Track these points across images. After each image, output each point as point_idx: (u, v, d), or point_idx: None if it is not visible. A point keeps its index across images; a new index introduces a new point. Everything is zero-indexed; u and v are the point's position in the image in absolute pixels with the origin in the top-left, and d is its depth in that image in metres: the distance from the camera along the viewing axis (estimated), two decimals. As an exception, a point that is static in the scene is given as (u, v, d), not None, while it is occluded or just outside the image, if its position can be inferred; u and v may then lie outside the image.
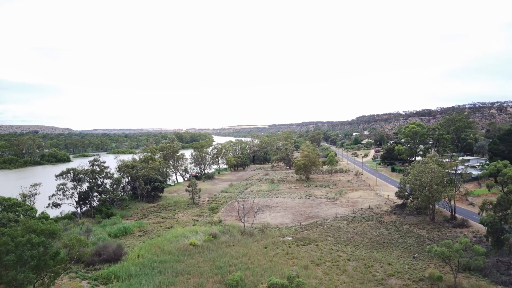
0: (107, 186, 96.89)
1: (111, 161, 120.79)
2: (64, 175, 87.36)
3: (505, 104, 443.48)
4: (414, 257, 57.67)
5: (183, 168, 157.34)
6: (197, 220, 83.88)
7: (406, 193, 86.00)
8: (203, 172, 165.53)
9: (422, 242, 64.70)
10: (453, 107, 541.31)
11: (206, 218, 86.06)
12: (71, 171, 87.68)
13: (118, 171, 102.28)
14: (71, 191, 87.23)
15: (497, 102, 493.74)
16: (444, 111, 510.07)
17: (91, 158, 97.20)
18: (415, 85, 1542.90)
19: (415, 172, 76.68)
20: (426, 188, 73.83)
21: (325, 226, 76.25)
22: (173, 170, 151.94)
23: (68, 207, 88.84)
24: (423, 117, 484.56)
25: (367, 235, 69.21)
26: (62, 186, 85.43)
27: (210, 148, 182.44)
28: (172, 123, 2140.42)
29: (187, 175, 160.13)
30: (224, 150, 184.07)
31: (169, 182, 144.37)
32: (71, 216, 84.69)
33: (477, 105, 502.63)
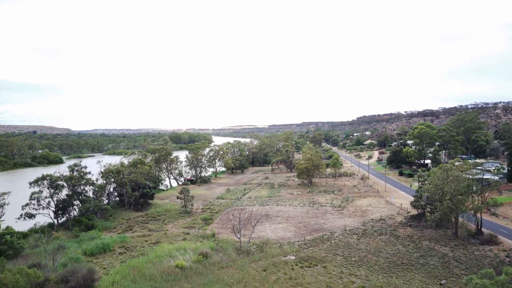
0: (90, 193, 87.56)
1: (107, 162, 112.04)
2: (39, 182, 77.89)
3: (510, 104, 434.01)
4: (441, 284, 48.42)
5: (177, 171, 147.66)
6: (188, 233, 74.53)
7: (423, 202, 76.71)
8: (199, 175, 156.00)
9: (447, 263, 55.38)
10: (455, 107, 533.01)
11: (198, 231, 76.71)
12: (47, 178, 78.28)
13: (102, 177, 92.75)
14: (47, 200, 77.79)
15: (500, 102, 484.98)
16: (447, 111, 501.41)
17: (71, 163, 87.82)
18: (415, 85, 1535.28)
19: (435, 180, 67.25)
20: (448, 199, 64.64)
21: (332, 241, 66.88)
22: (166, 174, 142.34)
23: (45, 217, 79.54)
24: (426, 118, 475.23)
25: (382, 254, 59.88)
26: (36, 195, 75.98)
27: (207, 150, 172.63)
28: (172, 123, 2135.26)
29: (182, 179, 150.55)
30: (221, 152, 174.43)
31: (161, 187, 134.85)
32: (46, 229, 75.29)
33: (479, 105, 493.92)
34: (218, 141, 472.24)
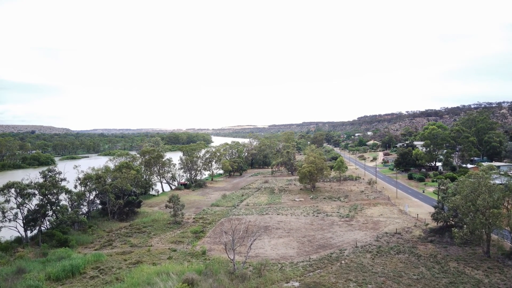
0: (67, 202, 77.68)
1: (90, 165, 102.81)
2: (5, 191, 67.94)
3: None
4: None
5: (170, 175, 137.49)
6: (175, 250, 64.64)
7: (445, 214, 66.77)
8: (194, 179, 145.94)
9: (484, 293, 45.42)
10: (458, 107, 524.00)
11: (187, 247, 66.82)
12: (14, 185, 68.33)
13: (80, 184, 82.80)
14: (14, 211, 67.84)
15: (504, 101, 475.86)
16: (450, 111, 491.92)
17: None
18: (415, 85, 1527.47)
19: (465, 190, 57.24)
20: (476, 210, 54.77)
21: (342, 262, 56.91)
22: (158, 178, 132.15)
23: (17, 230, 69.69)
24: (430, 118, 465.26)
25: (403, 280, 49.85)
26: (0, 205, 65.99)
27: (203, 151, 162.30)
28: (172, 124, 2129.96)
29: (175, 183, 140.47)
30: (218, 154, 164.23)
31: (152, 192, 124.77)
32: (12, 245, 65.46)
33: (483, 105, 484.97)
34: (217, 141, 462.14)
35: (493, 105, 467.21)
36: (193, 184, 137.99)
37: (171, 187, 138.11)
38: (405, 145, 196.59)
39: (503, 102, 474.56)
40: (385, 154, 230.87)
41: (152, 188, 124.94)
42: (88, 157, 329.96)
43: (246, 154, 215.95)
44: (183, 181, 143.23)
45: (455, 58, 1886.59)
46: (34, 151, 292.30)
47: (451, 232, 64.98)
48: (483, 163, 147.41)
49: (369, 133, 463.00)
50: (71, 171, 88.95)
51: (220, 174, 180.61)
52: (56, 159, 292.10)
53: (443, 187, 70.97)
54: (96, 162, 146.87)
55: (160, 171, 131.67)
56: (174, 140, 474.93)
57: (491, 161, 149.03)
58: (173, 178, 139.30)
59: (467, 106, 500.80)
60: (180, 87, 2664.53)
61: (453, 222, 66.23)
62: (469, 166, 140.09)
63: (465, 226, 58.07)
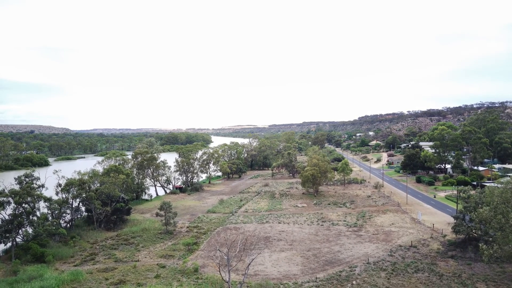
0: (46, 211, 70.51)
1: (76, 169, 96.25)
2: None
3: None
4: None
5: (164, 178, 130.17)
6: (164, 267, 57.43)
7: (468, 225, 59.57)
8: (190, 182, 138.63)
9: (525, 326, 38.23)
10: (460, 107, 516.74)
11: (178, 262, 59.64)
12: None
13: (62, 190, 75.58)
14: (-16, 221, 60.68)
15: (507, 101, 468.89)
16: (453, 111, 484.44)
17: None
18: (415, 85, 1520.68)
19: (494, 201, 49.97)
20: (509, 225, 47.55)
21: (354, 282, 49.68)
22: (151, 181, 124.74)
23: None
24: (432, 117, 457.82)
25: (427, 306, 42.69)
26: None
27: (200, 152, 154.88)
28: (172, 123, 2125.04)
29: (170, 186, 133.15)
30: (216, 155, 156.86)
31: (145, 197, 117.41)
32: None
33: (485, 105, 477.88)
34: (217, 141, 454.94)
35: (496, 105, 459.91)
36: (189, 188, 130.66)
37: (165, 191, 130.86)
38: (410, 145, 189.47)
39: (506, 102, 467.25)
40: (389, 155, 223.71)
41: (145, 193, 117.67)
42: (84, 157, 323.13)
43: (246, 155, 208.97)
44: (178, 184, 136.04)
45: (455, 58, 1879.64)
46: (28, 152, 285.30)
47: (474, 246, 58.13)
48: (494, 166, 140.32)
49: (370, 133, 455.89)
50: (60, 174, 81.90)
51: (218, 177, 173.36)
52: (51, 159, 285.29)
53: (464, 195, 63.56)
54: (92, 163, 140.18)
55: (154, 174, 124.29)
56: (173, 140, 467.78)
57: (503, 163, 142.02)
58: (168, 181, 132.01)
59: (470, 106, 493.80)
60: (181, 87, 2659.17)
61: (475, 235, 59.18)
62: (480, 168, 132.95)
63: (490, 239, 51.05)
